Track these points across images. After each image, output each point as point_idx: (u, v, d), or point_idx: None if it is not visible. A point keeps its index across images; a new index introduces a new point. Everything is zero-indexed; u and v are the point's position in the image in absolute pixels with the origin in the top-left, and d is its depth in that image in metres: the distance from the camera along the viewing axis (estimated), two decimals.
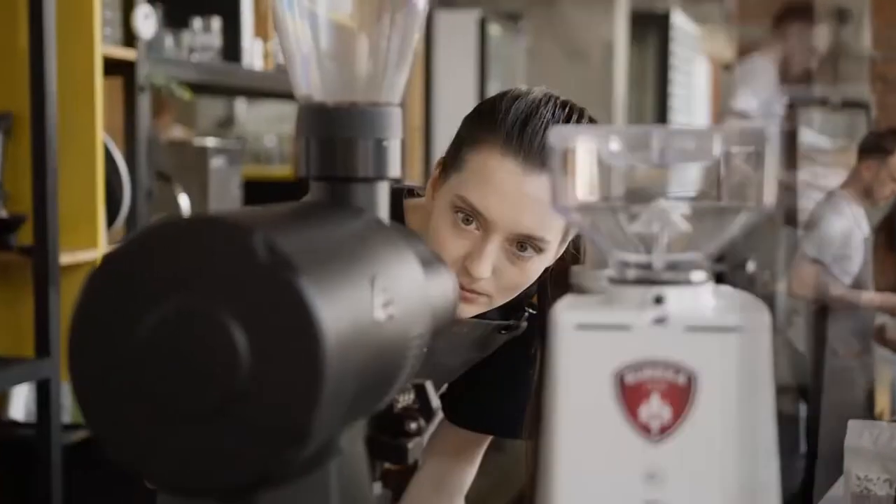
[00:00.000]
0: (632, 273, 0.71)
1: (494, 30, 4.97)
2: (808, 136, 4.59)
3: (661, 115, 7.41)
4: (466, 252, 1.27)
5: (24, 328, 2.34)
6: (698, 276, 0.71)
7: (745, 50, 9.82)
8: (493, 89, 5.48)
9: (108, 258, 0.63)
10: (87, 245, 2.46)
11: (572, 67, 5.26)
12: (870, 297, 4.33)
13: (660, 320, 0.68)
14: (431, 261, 0.85)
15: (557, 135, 0.71)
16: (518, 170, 1.24)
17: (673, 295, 0.69)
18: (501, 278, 1.28)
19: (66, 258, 2.38)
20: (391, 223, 0.84)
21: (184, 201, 2.82)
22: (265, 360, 0.60)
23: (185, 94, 2.71)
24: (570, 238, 1.35)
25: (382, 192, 0.82)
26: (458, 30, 4.79)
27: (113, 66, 2.59)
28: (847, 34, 9.42)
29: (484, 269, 1.25)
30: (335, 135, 0.80)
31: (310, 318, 0.60)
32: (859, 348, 4.36)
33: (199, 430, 0.61)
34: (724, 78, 9.83)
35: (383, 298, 0.69)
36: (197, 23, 2.97)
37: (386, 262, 0.73)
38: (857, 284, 4.35)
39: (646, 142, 0.70)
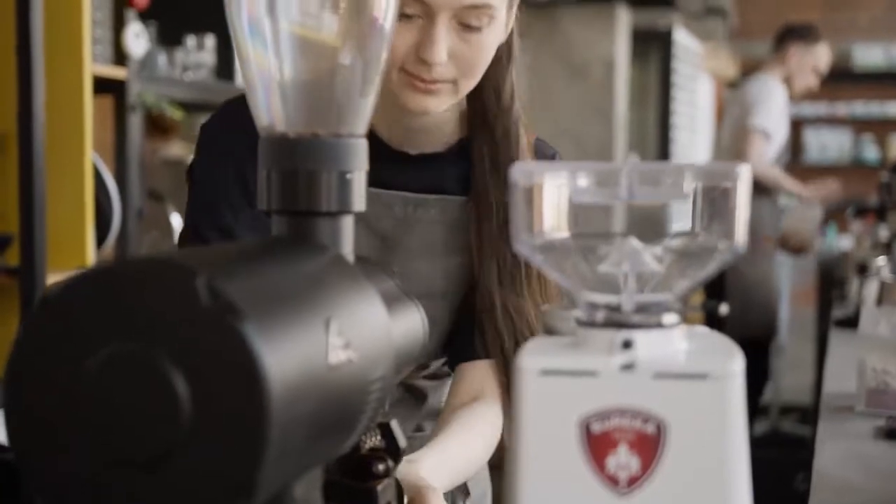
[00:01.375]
0: (600, 315, 0.68)
1: None
2: None
3: (664, 132, 7.38)
4: (415, 42, 1.21)
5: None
6: (669, 318, 0.68)
7: (747, 67, 9.82)
8: None
9: (49, 297, 0.60)
10: (76, 266, 2.43)
11: (573, 85, 5.24)
12: (795, 185, 4.53)
13: (627, 366, 0.65)
14: (397, 297, 0.82)
15: (521, 171, 0.68)
16: None
17: (642, 339, 0.66)
18: (459, 59, 1.22)
19: (53, 279, 2.35)
20: (358, 258, 0.81)
21: (176, 221, 2.80)
22: (207, 409, 0.57)
23: (176, 114, 2.69)
24: (516, 4, 1.31)
25: (347, 226, 0.79)
26: None
27: (104, 85, 2.57)
28: None
29: (437, 52, 1.19)
30: (297, 167, 0.78)
31: (254, 366, 0.57)
32: (774, 235, 4.47)
33: (138, 479, 0.58)
34: (727, 94, 9.83)
35: (340, 341, 0.66)
36: (190, 40, 2.95)
37: (345, 302, 0.70)
38: (777, 164, 4.51)
39: (615, 178, 0.67)
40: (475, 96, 1.33)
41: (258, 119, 0.80)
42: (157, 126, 3.57)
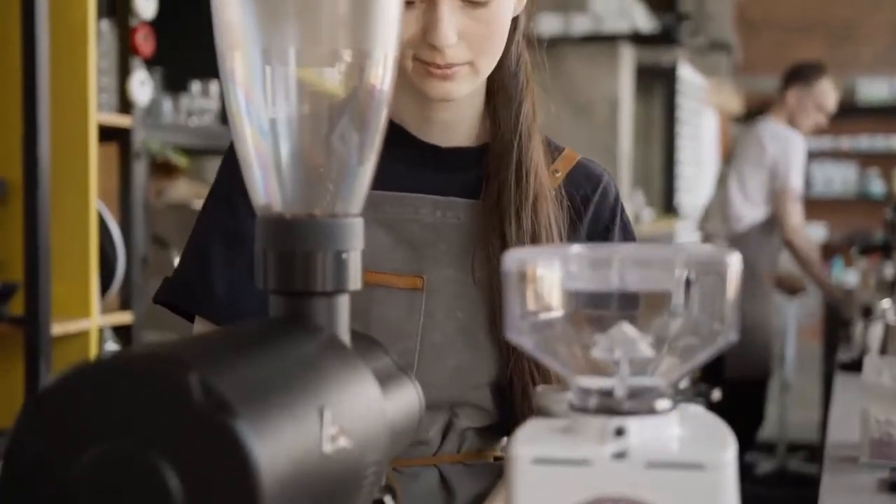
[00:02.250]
0: (593, 401, 0.68)
1: None
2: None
3: (669, 167, 7.39)
4: (424, 28, 1.15)
5: (14, 400, 2.31)
6: (662, 404, 0.68)
7: (752, 101, 9.85)
8: None
9: (42, 396, 0.61)
10: (80, 315, 2.44)
11: (578, 122, 5.26)
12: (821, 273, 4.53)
13: (620, 455, 0.65)
14: (392, 374, 0.82)
15: (513, 258, 0.69)
16: None
17: (635, 426, 0.66)
18: (470, 39, 1.16)
19: (57, 328, 2.36)
20: (354, 334, 0.81)
21: None
22: None
23: (181, 160, 2.70)
24: None
25: (342, 305, 0.79)
26: None
27: (109, 133, 2.58)
28: None
29: (445, 34, 1.13)
30: (294, 247, 0.78)
31: (247, 464, 0.57)
32: (774, 274, 4.43)
33: None
34: (732, 129, 9.85)
35: (334, 430, 0.67)
36: (195, 86, 2.97)
37: (339, 388, 0.70)
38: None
39: (606, 264, 0.68)
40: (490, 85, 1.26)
41: (255, 199, 0.81)
42: (163, 167, 3.59)
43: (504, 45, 1.19)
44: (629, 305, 0.70)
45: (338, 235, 0.79)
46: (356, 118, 0.81)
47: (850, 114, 9.88)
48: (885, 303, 3.08)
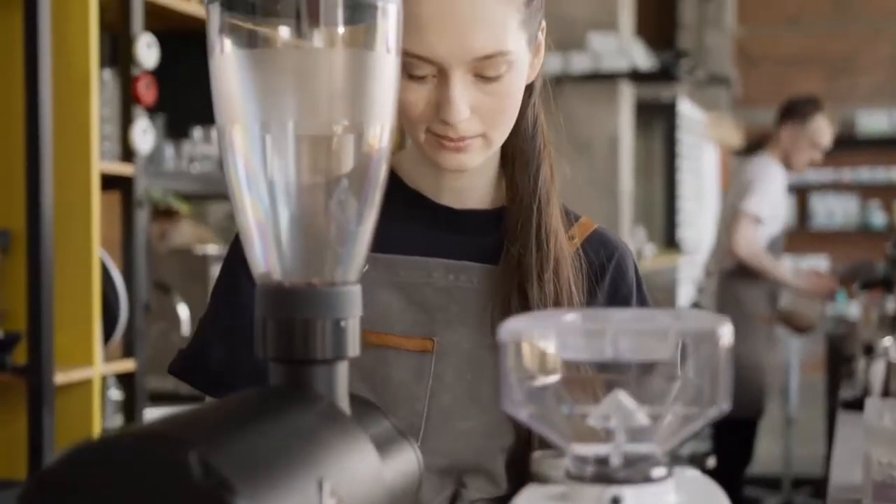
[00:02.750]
0: (589, 469, 0.69)
1: None
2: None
3: (670, 203, 7.42)
4: (436, 103, 1.14)
5: (16, 450, 2.31)
6: (658, 472, 0.69)
7: (752, 134, 9.89)
8: None
9: (43, 474, 0.62)
10: (83, 363, 2.44)
11: (578, 160, 5.28)
12: (786, 274, 4.44)
13: None
14: (391, 438, 0.83)
15: (508, 329, 0.70)
16: None
17: (630, 494, 0.67)
18: (483, 113, 1.15)
19: (60, 377, 2.36)
20: (353, 398, 0.82)
21: (183, 312, 2.81)
22: None
23: (183, 208, 2.72)
24: (540, 32, 1.21)
25: (341, 372, 0.80)
26: None
27: (111, 181, 2.60)
28: (710, 9, 9.48)
29: (457, 110, 1.13)
30: (293, 316, 0.79)
31: None
32: (770, 313, 4.36)
33: None
34: (732, 162, 9.89)
35: (333, 501, 0.68)
36: (197, 132, 3.00)
37: (337, 457, 0.71)
38: (772, 248, 4.43)
39: (600, 334, 0.69)
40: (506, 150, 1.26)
41: (254, 267, 0.82)
42: (165, 210, 3.61)
43: (517, 114, 1.19)
44: (624, 374, 0.71)
45: (336, 304, 0.80)
46: (354, 186, 0.82)
47: (851, 146, 9.92)
48: (887, 340, 3.08)
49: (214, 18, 0.78)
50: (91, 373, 2.46)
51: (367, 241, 0.83)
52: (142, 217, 2.63)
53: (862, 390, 3.04)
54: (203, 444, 0.60)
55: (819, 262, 10.06)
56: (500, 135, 1.19)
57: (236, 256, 1.24)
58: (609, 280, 1.28)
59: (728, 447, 4.43)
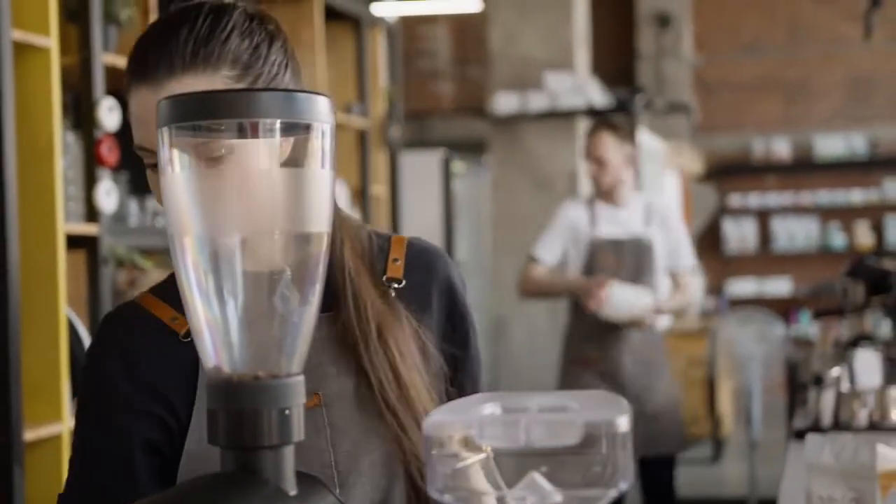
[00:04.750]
0: None
1: (458, 166, 5.09)
2: None
3: None
4: None
5: None
6: None
7: (712, 160, 10.05)
8: (459, 224, 5.60)
9: None
10: (52, 419, 2.51)
11: (538, 197, 5.38)
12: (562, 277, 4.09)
13: None
14: None
15: (431, 423, 0.78)
16: (149, 92, 1.17)
17: None
18: None
19: (30, 434, 2.42)
20: (300, 476, 0.90)
21: None
22: None
23: (147, 265, 2.79)
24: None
25: (288, 456, 0.88)
26: (423, 168, 4.92)
27: (76, 240, 2.67)
28: (668, 39, 9.65)
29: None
30: (241, 407, 0.87)
31: None
32: (596, 356, 4.10)
33: None
34: (696, 189, 10.05)
35: None
36: None
37: None
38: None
39: (515, 426, 0.77)
40: None
41: (205, 362, 0.90)
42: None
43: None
44: (539, 458, 0.79)
45: (281, 394, 0.88)
46: (296, 282, 0.91)
47: (809, 169, 10.11)
48: (836, 370, 3.16)
49: (166, 141, 0.87)
50: (60, 428, 2.52)
51: (309, 332, 0.91)
52: (107, 275, 2.70)
53: (813, 420, 3.13)
54: None
55: (782, 285, 10.23)
56: None
57: (103, 371, 1.26)
58: (437, 292, 1.32)
59: (651, 487, 4.45)
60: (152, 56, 1.18)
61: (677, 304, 4.22)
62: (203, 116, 0.87)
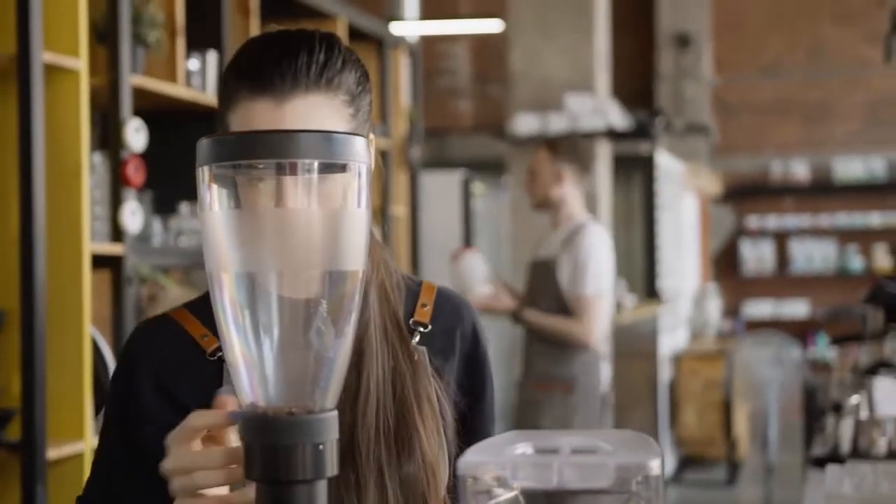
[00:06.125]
0: None
1: (478, 187, 5.11)
2: None
3: (650, 253, 7.53)
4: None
5: None
6: None
7: (730, 182, 10.04)
8: (478, 243, 5.61)
9: None
10: (75, 437, 2.53)
11: None
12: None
13: None
14: None
15: (466, 463, 0.79)
16: (271, 105, 1.16)
17: None
18: None
19: (53, 452, 2.44)
20: None
21: None
22: None
23: (170, 284, 2.81)
24: (370, 140, 1.22)
25: (321, 490, 0.90)
26: (443, 188, 4.93)
27: (101, 260, 2.69)
28: (688, 60, 9.63)
29: None
30: (276, 442, 0.89)
31: None
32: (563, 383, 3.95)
33: None
34: (714, 210, 10.04)
35: None
36: (184, 207, 3.09)
37: None
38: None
39: (548, 468, 0.78)
40: None
41: (241, 398, 0.92)
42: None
43: None
44: (570, 497, 0.80)
45: (315, 430, 0.89)
46: (332, 316, 0.92)
47: (828, 192, 10.08)
48: (855, 398, 3.15)
49: (206, 179, 0.88)
50: (83, 447, 2.54)
51: (344, 367, 0.93)
52: (131, 294, 2.72)
53: (832, 448, 3.12)
54: None
55: (799, 307, 10.20)
56: None
57: (129, 378, 1.28)
58: (461, 339, 1.33)
59: None
60: (275, 70, 1.17)
61: (550, 325, 3.87)
62: (243, 156, 0.89)
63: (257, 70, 1.17)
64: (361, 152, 0.90)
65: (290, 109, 1.15)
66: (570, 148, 4.01)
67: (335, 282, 0.90)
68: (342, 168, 0.90)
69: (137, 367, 1.28)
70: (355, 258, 0.90)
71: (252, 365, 0.90)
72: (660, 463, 0.78)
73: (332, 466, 0.90)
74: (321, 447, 0.89)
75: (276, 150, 0.88)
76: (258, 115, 1.16)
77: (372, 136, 1.26)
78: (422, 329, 1.30)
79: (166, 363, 1.27)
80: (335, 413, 0.91)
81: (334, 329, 0.92)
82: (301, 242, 0.89)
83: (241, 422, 0.91)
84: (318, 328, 0.92)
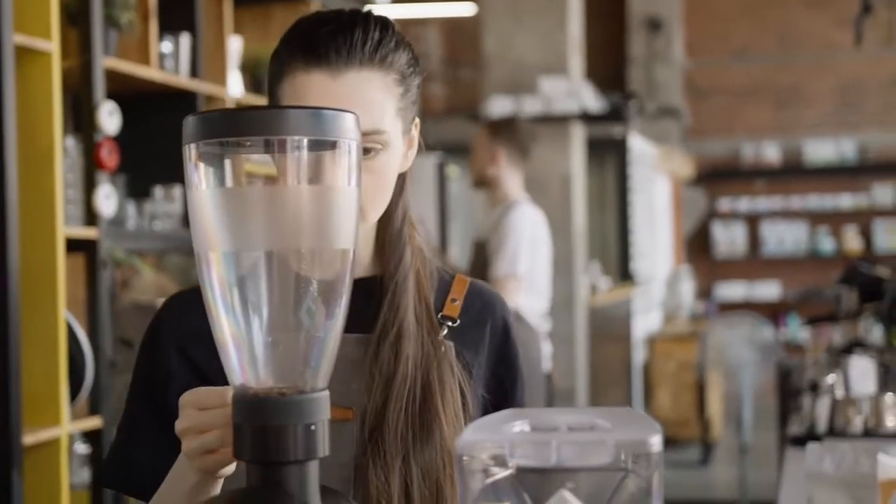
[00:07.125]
0: None
1: (452, 171, 5.10)
2: None
3: (623, 235, 7.55)
4: None
5: None
6: None
7: (703, 165, 10.07)
8: (453, 225, 5.60)
9: None
10: (51, 423, 2.50)
11: (532, 200, 5.38)
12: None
13: None
14: None
15: (464, 442, 0.78)
16: (326, 77, 1.18)
17: None
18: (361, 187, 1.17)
19: (29, 438, 2.42)
20: (324, 491, 0.90)
21: None
22: None
23: (144, 268, 2.79)
24: (414, 127, 1.27)
25: (313, 471, 0.89)
26: (417, 172, 4.88)
27: (76, 243, 2.66)
28: (659, 44, 9.66)
29: None
30: (267, 422, 0.87)
31: None
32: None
33: None
34: (686, 193, 10.07)
35: None
36: (158, 191, 3.07)
37: None
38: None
39: (546, 446, 0.78)
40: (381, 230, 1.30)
41: (231, 379, 0.90)
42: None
43: (390, 196, 1.26)
44: (568, 477, 0.79)
45: (306, 410, 0.88)
46: (322, 296, 0.91)
47: (799, 174, 10.14)
48: (831, 377, 3.17)
49: (193, 157, 0.87)
50: (59, 432, 2.51)
51: (335, 347, 0.91)
52: (105, 278, 2.70)
53: (808, 427, 3.14)
54: None
55: (770, 289, 10.26)
56: (375, 211, 1.24)
57: (155, 343, 1.28)
58: (491, 334, 1.33)
59: None
60: (331, 44, 1.19)
61: None
62: (231, 133, 0.87)
63: (313, 43, 1.19)
64: (351, 129, 0.89)
65: (343, 82, 1.18)
66: (507, 130, 4.06)
67: (325, 261, 0.89)
68: (332, 145, 0.88)
69: (162, 333, 1.29)
70: (345, 236, 0.89)
71: (242, 345, 0.89)
72: (659, 439, 0.78)
73: (323, 447, 0.89)
74: (312, 427, 0.88)
75: (264, 126, 0.87)
76: (312, 86, 1.18)
77: (417, 119, 1.28)
78: (450, 324, 1.30)
79: (189, 330, 1.26)
80: (326, 393, 0.90)
81: (325, 309, 0.91)
82: (290, 220, 0.88)
83: (233, 402, 0.89)
84: (309, 308, 0.91)
